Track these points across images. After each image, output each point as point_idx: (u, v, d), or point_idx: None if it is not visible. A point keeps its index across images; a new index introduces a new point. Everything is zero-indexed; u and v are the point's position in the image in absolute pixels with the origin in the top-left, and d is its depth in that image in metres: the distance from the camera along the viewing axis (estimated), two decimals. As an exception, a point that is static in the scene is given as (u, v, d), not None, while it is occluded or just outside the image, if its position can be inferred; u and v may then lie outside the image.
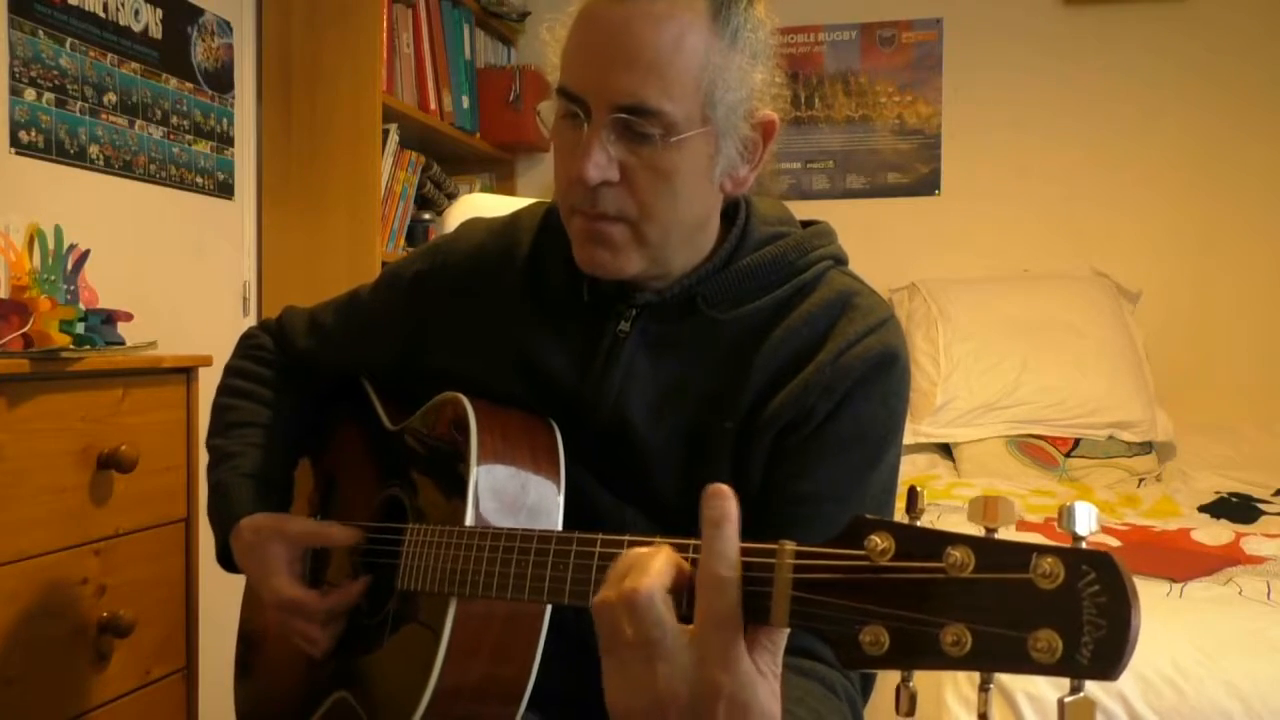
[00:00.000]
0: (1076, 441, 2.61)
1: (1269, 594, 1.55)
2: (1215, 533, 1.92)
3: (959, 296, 2.84)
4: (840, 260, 1.03)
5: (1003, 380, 2.65)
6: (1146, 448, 2.64)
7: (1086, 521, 0.53)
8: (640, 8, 0.88)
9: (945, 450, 2.69)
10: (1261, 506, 2.20)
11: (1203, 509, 2.20)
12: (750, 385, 0.96)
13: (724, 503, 0.64)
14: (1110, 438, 2.62)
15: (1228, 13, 2.97)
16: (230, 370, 1.26)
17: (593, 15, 0.91)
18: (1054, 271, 2.97)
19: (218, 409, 1.24)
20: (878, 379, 0.94)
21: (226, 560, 1.16)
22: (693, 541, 0.68)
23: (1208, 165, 3.00)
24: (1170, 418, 2.70)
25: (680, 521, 0.95)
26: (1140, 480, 2.54)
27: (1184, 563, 1.72)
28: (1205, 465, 2.57)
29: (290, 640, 1.08)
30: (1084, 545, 0.52)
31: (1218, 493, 2.32)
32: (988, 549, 0.54)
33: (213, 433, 1.22)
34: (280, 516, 1.12)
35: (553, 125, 0.96)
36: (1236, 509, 2.19)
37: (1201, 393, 2.91)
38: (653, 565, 0.65)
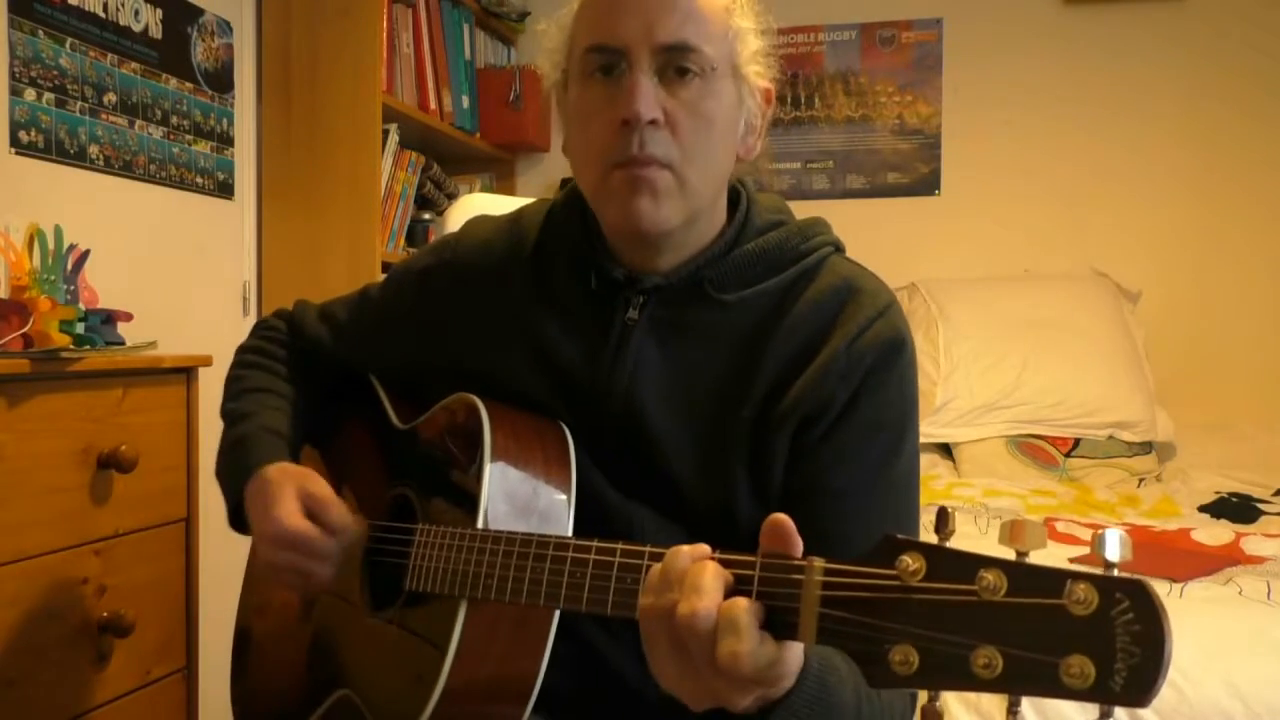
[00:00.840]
0: (1076, 441, 2.61)
1: (1269, 594, 1.55)
2: (1215, 533, 1.92)
3: (959, 296, 2.84)
4: (839, 247, 1.06)
5: (1003, 380, 2.64)
6: (1146, 448, 2.64)
7: (1117, 548, 0.53)
8: None
9: (945, 450, 2.69)
10: (1261, 506, 2.20)
11: (1203, 509, 2.20)
12: (762, 373, 0.97)
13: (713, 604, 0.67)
14: (1110, 438, 2.62)
15: (1227, 12, 2.97)
16: (244, 349, 1.26)
17: None
18: (1054, 271, 2.97)
19: (231, 380, 1.23)
20: (890, 365, 0.96)
21: (238, 520, 1.12)
22: (736, 556, 0.69)
23: (1208, 165, 3.00)
24: (1170, 418, 2.69)
25: (692, 519, 0.95)
26: (1140, 480, 2.54)
27: (1184, 563, 1.72)
28: (1205, 465, 2.57)
29: (286, 636, 1.07)
30: (1115, 572, 0.53)
31: (1218, 493, 2.32)
32: (1021, 573, 0.54)
33: (227, 398, 1.20)
34: (306, 470, 1.09)
35: (576, 91, 0.97)
36: (1236, 509, 2.19)
37: (1201, 393, 2.91)
38: (704, 583, 0.67)
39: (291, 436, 1.16)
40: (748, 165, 1.03)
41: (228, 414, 1.19)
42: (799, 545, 0.67)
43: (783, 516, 0.68)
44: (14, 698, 1.37)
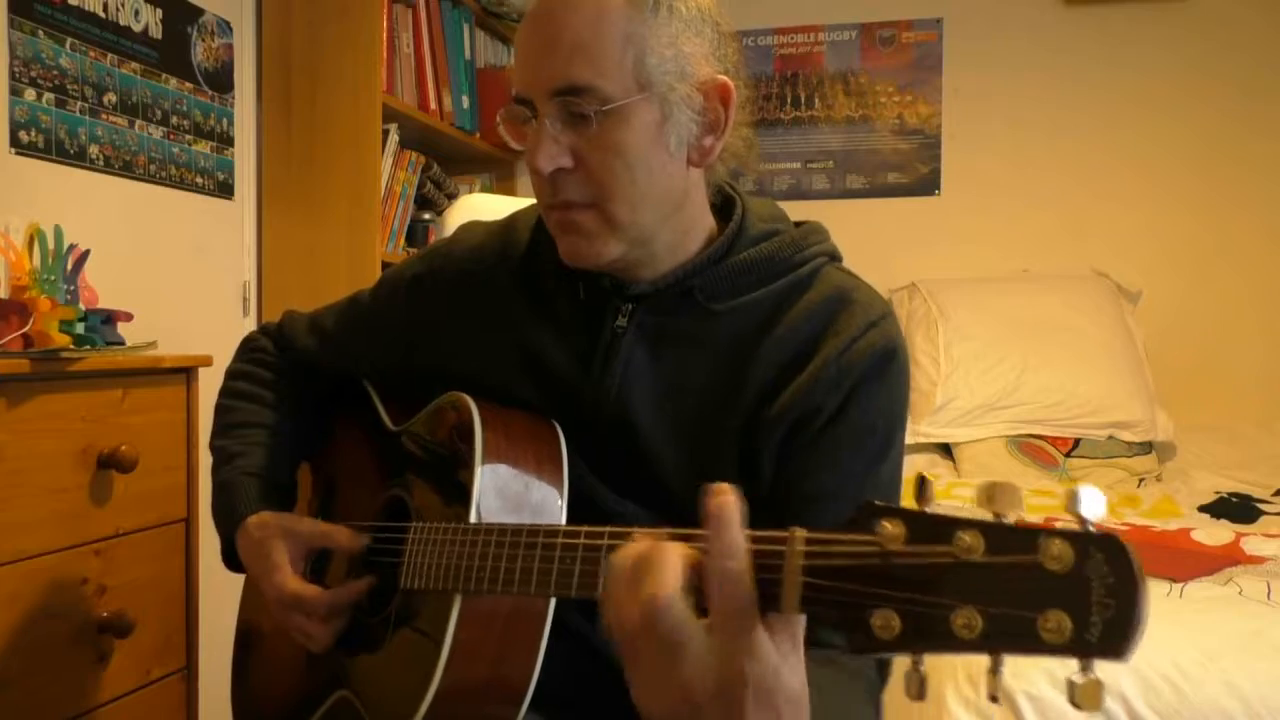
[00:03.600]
0: (1076, 441, 2.61)
1: (1269, 594, 1.55)
2: (1215, 533, 1.92)
3: (959, 296, 2.84)
4: (835, 256, 1.04)
5: (1003, 380, 2.65)
6: (1146, 448, 2.64)
7: (1093, 505, 0.53)
8: None
9: (945, 450, 2.69)
10: (1261, 506, 2.20)
11: (1203, 509, 2.20)
12: (753, 381, 0.96)
13: (725, 497, 0.65)
14: (1110, 438, 2.62)
15: (1228, 11, 2.97)
16: (231, 374, 1.27)
17: (525, 19, 0.95)
18: (1054, 271, 2.97)
19: (219, 411, 1.24)
20: (881, 374, 0.95)
21: (231, 559, 1.16)
22: (696, 532, 0.68)
23: (1208, 165, 3.00)
24: (1170, 418, 2.70)
25: (684, 520, 0.95)
26: (1140, 480, 2.54)
27: (1184, 563, 1.72)
28: (1205, 465, 2.57)
29: (291, 638, 1.08)
30: (1091, 528, 0.53)
31: (1218, 493, 2.32)
32: (997, 533, 0.55)
33: (215, 434, 1.22)
34: (287, 515, 1.12)
35: (517, 135, 0.97)
36: (1236, 509, 2.19)
37: (1201, 393, 2.91)
38: (666, 565, 0.64)
39: (278, 473, 1.18)
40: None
41: (216, 451, 1.21)
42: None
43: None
44: (14, 698, 1.37)
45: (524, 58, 0.93)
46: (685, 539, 0.67)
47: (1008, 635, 0.53)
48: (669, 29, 0.92)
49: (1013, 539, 0.54)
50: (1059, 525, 0.55)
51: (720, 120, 0.96)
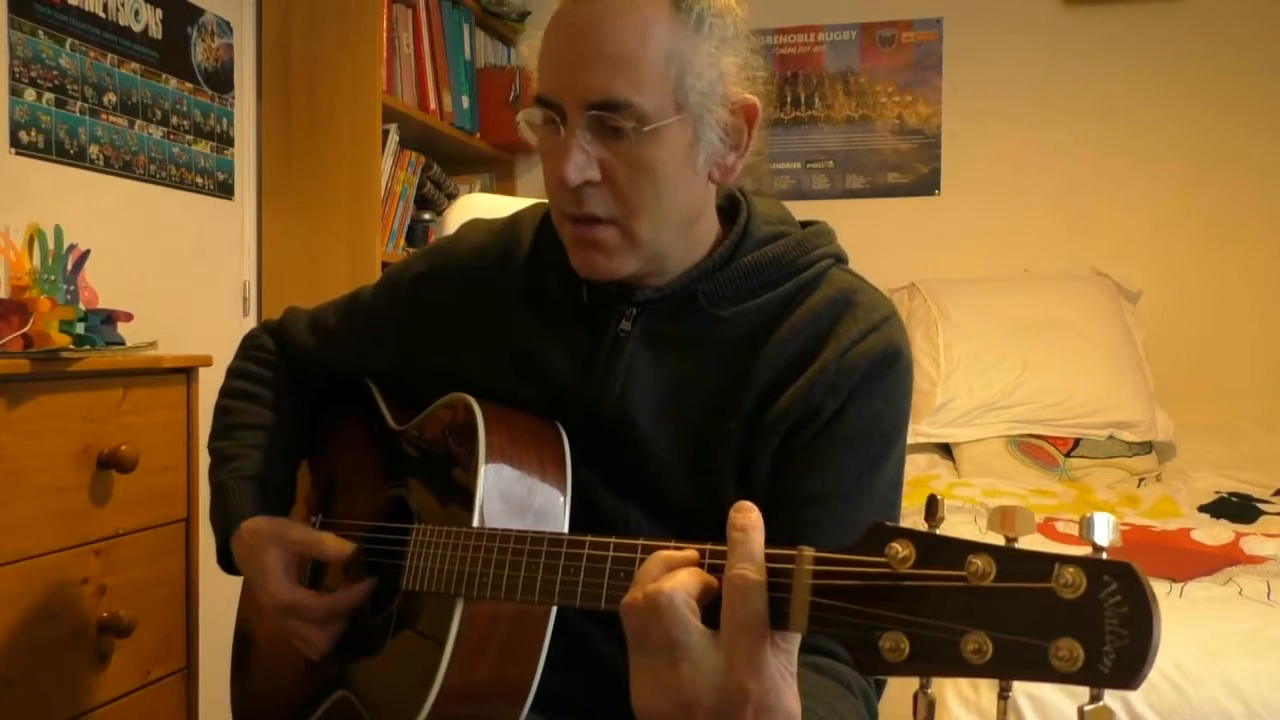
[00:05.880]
0: (1076, 441, 2.61)
1: (1269, 594, 1.55)
2: (1215, 533, 1.92)
3: (959, 296, 2.84)
4: (841, 259, 1.04)
5: (1003, 380, 2.64)
6: (1146, 448, 2.64)
7: (1106, 532, 0.53)
8: (601, 5, 0.89)
9: (945, 450, 2.69)
10: (1261, 506, 2.20)
11: (1203, 509, 2.20)
12: (753, 385, 0.96)
13: (751, 513, 0.67)
14: (1110, 438, 2.62)
15: (1227, 10, 2.97)
16: (232, 372, 1.26)
17: (559, 20, 0.93)
18: (1054, 271, 2.97)
19: (219, 411, 1.24)
20: (882, 376, 0.95)
21: (227, 562, 1.16)
22: (712, 547, 0.70)
23: (1208, 164, 3.00)
24: (1170, 418, 2.70)
25: (685, 522, 0.95)
26: (1140, 480, 2.54)
27: (1184, 563, 1.72)
28: (1205, 465, 2.57)
29: (290, 642, 1.08)
30: (1104, 555, 0.53)
31: (1218, 493, 2.32)
32: (1009, 558, 0.54)
33: (214, 435, 1.22)
34: (279, 521, 1.12)
35: (537, 135, 0.96)
36: (1236, 509, 2.19)
37: (1201, 393, 2.91)
38: (679, 570, 0.68)
39: (275, 475, 1.18)
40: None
41: (213, 452, 1.21)
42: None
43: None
44: (14, 698, 1.37)
45: (559, 61, 0.91)
46: (704, 553, 0.69)
47: (1019, 662, 0.53)
48: (709, 46, 0.91)
49: (1025, 564, 0.54)
50: (1071, 550, 0.54)
51: (744, 139, 0.96)
